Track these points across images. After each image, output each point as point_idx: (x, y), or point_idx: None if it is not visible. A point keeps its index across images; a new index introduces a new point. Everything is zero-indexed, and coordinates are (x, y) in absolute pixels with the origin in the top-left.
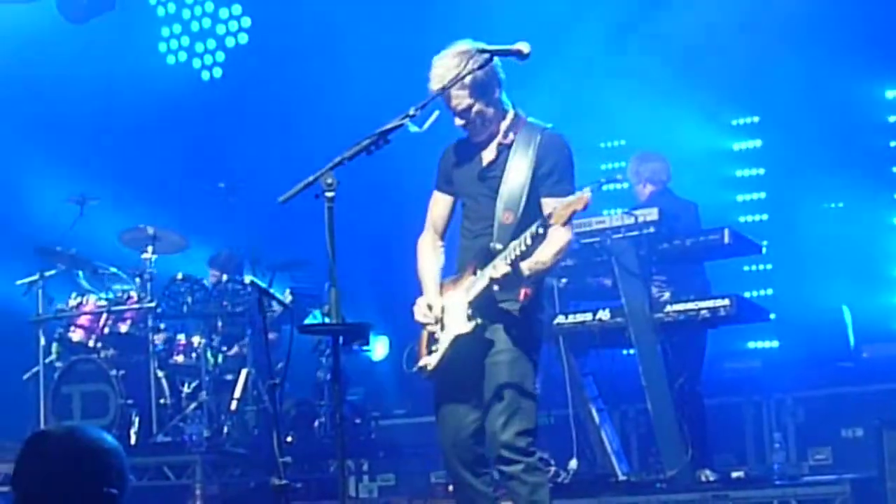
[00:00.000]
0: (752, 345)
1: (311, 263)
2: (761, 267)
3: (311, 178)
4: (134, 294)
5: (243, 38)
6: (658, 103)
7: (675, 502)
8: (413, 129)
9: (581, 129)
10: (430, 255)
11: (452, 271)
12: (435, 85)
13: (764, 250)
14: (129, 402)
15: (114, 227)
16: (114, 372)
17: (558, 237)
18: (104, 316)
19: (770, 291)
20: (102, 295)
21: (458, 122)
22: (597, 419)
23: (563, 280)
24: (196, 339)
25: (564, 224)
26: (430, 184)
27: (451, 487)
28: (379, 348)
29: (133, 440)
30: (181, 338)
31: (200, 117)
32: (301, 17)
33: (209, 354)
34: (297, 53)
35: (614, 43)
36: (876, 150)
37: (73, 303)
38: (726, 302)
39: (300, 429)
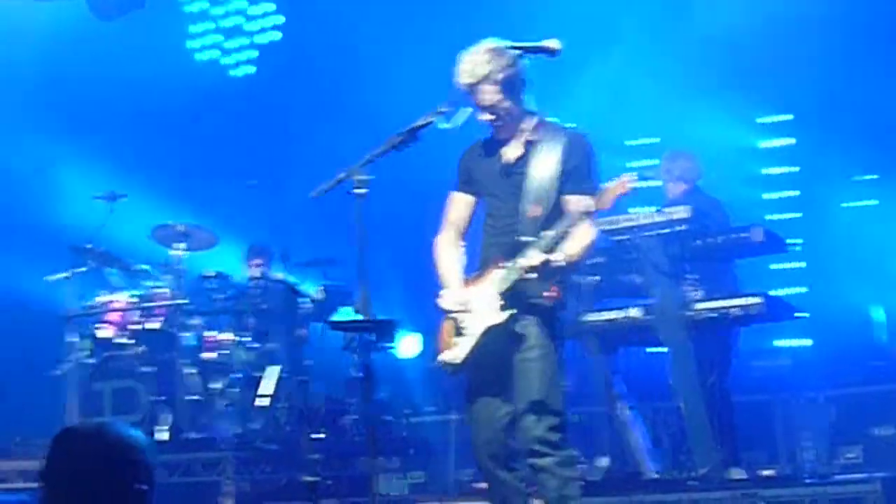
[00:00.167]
0: (782, 343)
1: (341, 260)
2: (793, 265)
3: (342, 175)
4: (164, 291)
5: (276, 36)
6: (690, 101)
7: (705, 501)
8: (443, 125)
9: (611, 126)
10: (451, 251)
11: (470, 271)
12: (464, 80)
13: (798, 248)
14: (160, 398)
15: (144, 223)
16: (144, 368)
17: (584, 233)
18: (135, 312)
19: (802, 289)
20: (133, 291)
21: (486, 117)
22: (627, 417)
23: (594, 277)
24: (226, 336)
25: (605, 209)
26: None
27: (480, 485)
28: (412, 345)
29: (163, 437)
30: (211, 334)
31: (231, 114)
32: (333, 15)
33: (239, 351)
34: (329, 51)
35: (647, 41)
36: None
37: (103, 299)
38: (756, 300)
39: (330, 425)
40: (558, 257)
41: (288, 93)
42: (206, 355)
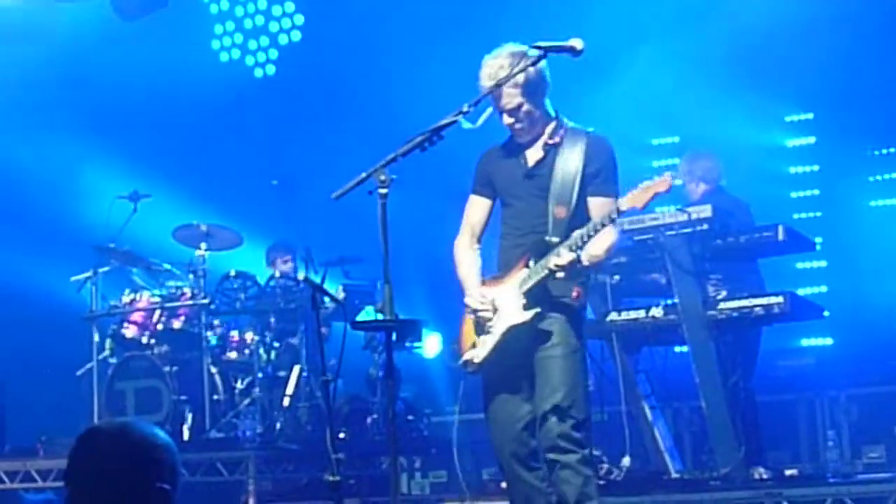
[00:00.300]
0: (805, 342)
1: (363, 260)
2: (816, 264)
3: (364, 175)
4: (187, 290)
5: (296, 36)
6: (712, 100)
7: (728, 500)
8: (466, 125)
9: (634, 125)
10: (469, 255)
11: (487, 272)
12: (486, 82)
13: (818, 247)
14: (183, 398)
15: (168, 223)
16: (167, 368)
17: (607, 234)
18: (158, 312)
19: (824, 289)
20: (156, 291)
21: (507, 120)
22: (649, 416)
23: (617, 277)
24: (249, 336)
25: (643, 207)
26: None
27: (503, 484)
28: (433, 345)
29: (186, 436)
30: (234, 334)
31: (253, 114)
32: (354, 15)
33: (262, 351)
34: (349, 51)
35: (670, 40)
36: None
37: (126, 299)
38: (780, 299)
39: (353, 425)
40: (583, 257)
41: (310, 92)
42: (229, 355)
